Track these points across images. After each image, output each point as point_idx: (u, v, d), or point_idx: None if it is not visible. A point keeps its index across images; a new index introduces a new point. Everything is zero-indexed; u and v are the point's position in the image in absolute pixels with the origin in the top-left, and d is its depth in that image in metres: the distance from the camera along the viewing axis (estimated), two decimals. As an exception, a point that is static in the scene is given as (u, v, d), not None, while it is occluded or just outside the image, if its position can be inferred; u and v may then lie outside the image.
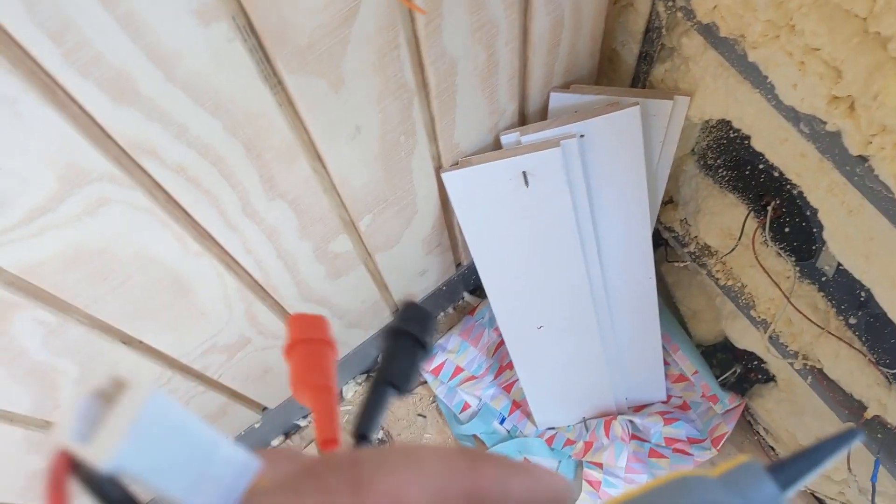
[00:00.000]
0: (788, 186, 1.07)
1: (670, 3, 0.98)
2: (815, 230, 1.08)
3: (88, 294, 0.77)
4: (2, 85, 0.53)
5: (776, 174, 1.08)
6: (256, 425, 1.41)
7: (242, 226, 0.85)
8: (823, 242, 1.06)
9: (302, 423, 1.57)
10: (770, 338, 1.27)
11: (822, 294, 1.16)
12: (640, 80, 1.15)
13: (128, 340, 0.88)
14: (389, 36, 0.76)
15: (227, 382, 1.15)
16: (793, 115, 0.89)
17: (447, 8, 0.79)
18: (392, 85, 0.83)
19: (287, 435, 1.57)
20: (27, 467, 0.96)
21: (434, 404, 1.59)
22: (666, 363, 1.54)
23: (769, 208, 1.16)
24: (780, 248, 1.18)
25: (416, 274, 1.31)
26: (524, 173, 1.07)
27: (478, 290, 1.64)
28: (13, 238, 0.65)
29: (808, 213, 1.07)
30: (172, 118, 0.66)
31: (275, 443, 1.56)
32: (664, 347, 1.51)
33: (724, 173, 1.20)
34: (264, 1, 0.62)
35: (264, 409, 1.38)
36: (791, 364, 1.26)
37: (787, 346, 1.26)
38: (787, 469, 0.28)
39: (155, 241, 0.77)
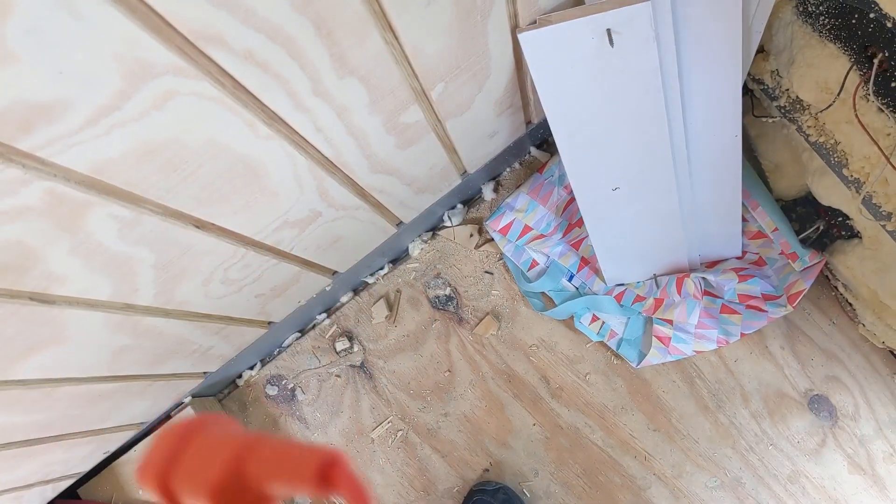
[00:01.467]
0: (903, 38, 0.97)
1: None
2: (929, 88, 0.98)
3: (161, 186, 0.74)
4: (56, -16, 0.47)
5: (889, 24, 0.98)
6: (328, 288, 1.42)
7: (313, 106, 0.79)
8: (937, 100, 0.97)
9: (370, 279, 1.58)
10: (863, 198, 1.20)
11: (926, 154, 1.07)
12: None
13: (201, 225, 0.86)
14: None
15: (298, 253, 1.14)
16: (925, -36, 0.78)
17: None
18: (471, -56, 0.74)
19: (355, 291, 1.58)
20: (110, 345, 0.98)
21: (501, 261, 1.57)
22: (744, 219, 1.48)
23: (875, 60, 1.06)
24: (884, 104, 1.08)
25: (485, 136, 1.25)
26: (608, 31, 0.98)
27: (545, 145, 1.58)
28: (82, 139, 0.61)
29: (924, 69, 0.97)
30: (239, 1, 0.59)
31: (344, 299, 1.57)
32: (743, 204, 1.45)
33: (827, 21, 1.09)
34: None
35: (334, 273, 1.38)
36: (883, 226, 1.19)
37: (880, 207, 1.19)
38: None
39: (224, 128, 0.73)
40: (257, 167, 0.83)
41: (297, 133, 0.83)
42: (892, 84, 1.05)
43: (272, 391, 1.59)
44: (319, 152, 0.90)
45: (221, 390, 1.58)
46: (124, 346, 1.00)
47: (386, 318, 1.56)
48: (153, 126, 0.66)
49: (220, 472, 0.36)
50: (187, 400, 1.45)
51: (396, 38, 0.80)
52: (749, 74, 1.30)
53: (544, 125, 1.46)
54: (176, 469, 0.38)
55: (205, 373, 1.39)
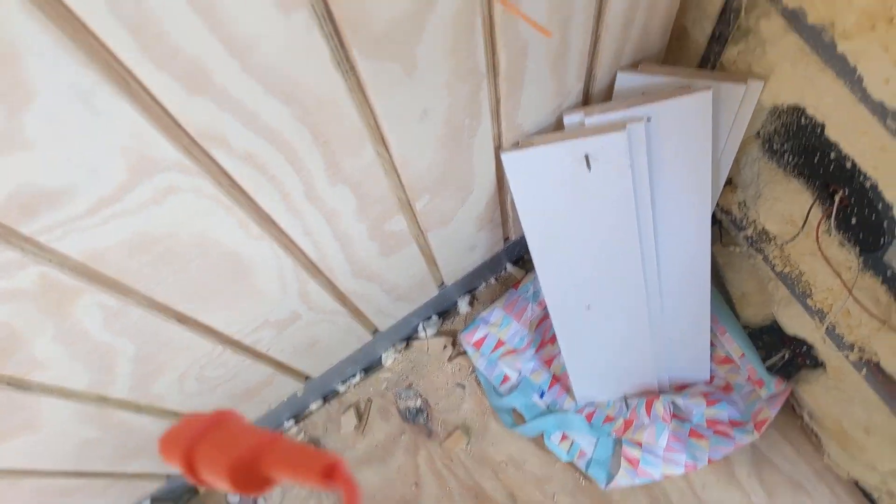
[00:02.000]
0: (861, 178, 1.03)
1: (752, -16, 0.93)
2: (885, 224, 1.04)
3: (151, 278, 0.76)
4: (78, 78, 0.50)
5: (848, 165, 1.04)
6: (299, 394, 1.41)
7: (304, 210, 0.83)
8: (894, 237, 1.02)
9: (341, 387, 1.57)
10: (826, 328, 1.24)
11: (885, 287, 1.12)
12: (711, 60, 1.10)
13: (183, 319, 0.87)
14: (467, 20, 0.73)
15: (274, 355, 1.14)
16: (880, 110, 0.85)
17: (526, -10, 0.75)
18: (463, 68, 0.80)
19: (325, 399, 1.57)
20: (78, 437, 0.97)
21: (473, 375, 1.58)
22: (712, 344, 1.51)
23: (837, 197, 1.12)
24: (845, 238, 1.14)
25: (465, 249, 1.28)
26: (587, 156, 1.03)
27: (521, 262, 1.62)
28: (81, 227, 0.63)
29: (881, 207, 1.03)
30: (244, 107, 0.63)
31: (313, 407, 1.56)
32: (711, 329, 1.48)
33: (791, 159, 1.16)
34: (345, -13, 0.59)
35: (307, 378, 1.38)
36: (846, 356, 1.23)
37: (843, 338, 1.23)
38: None
39: (218, 226, 0.75)
40: (246, 266, 0.85)
41: (286, 235, 0.85)
42: (852, 220, 1.11)
43: (234, 499, 1.55)
44: (306, 255, 0.92)
45: (182, 496, 1.54)
46: (93, 440, 0.99)
47: (355, 427, 1.55)
48: (151, 219, 0.68)
49: (239, 454, 0.43)
50: (146, 503, 1.41)
51: (388, 151, 0.84)
52: (718, 205, 1.36)
53: (521, 242, 1.50)
54: (201, 445, 0.45)
55: (167, 475, 1.36)
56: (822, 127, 1.03)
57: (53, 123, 0.53)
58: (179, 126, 0.61)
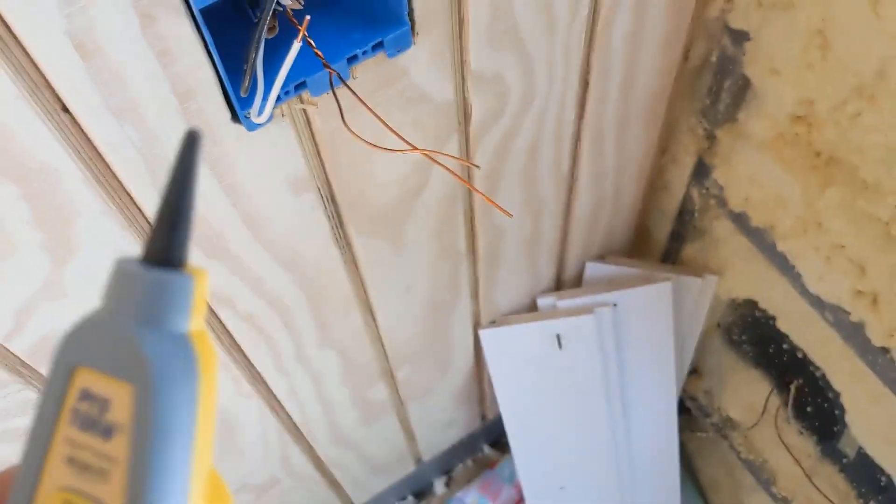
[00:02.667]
0: (812, 368, 1.11)
1: (704, 191, 1.06)
2: (837, 412, 1.11)
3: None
4: (116, 240, 0.59)
5: (800, 355, 1.13)
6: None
7: (293, 370, 0.89)
8: (846, 425, 1.09)
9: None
10: (791, 516, 1.27)
11: (842, 475, 1.17)
12: (671, 256, 1.22)
13: (170, 473, 0.91)
14: (450, 207, 0.84)
15: (250, 521, 1.16)
16: (818, 303, 0.95)
17: (504, 184, 0.86)
18: (445, 249, 0.90)
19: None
20: None
21: (447, 556, 1.57)
22: (683, 533, 1.53)
23: (792, 387, 1.20)
24: (803, 427, 1.20)
25: (443, 424, 1.33)
26: (558, 336, 1.11)
27: (497, 444, 1.66)
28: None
29: (831, 396, 1.11)
30: (253, 272, 0.72)
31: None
32: (682, 516, 1.51)
33: (749, 349, 1.25)
34: (347, 175, 0.70)
35: (280, 550, 1.38)
36: (812, 545, 1.26)
37: (807, 526, 1.26)
38: (162, 241, 0.26)
39: (214, 381, 0.82)
40: (232, 424, 0.91)
41: (273, 395, 0.92)
42: (808, 409, 1.18)
43: None
44: (290, 417, 0.98)
45: None
46: None
47: None
48: (156, 369, 0.75)
49: None
50: None
51: (374, 320, 0.92)
52: (685, 392, 1.43)
53: (498, 423, 1.55)
54: None
55: None
56: (774, 319, 1.12)
57: (88, 277, 0.61)
58: (194, 285, 0.69)
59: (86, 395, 0.25)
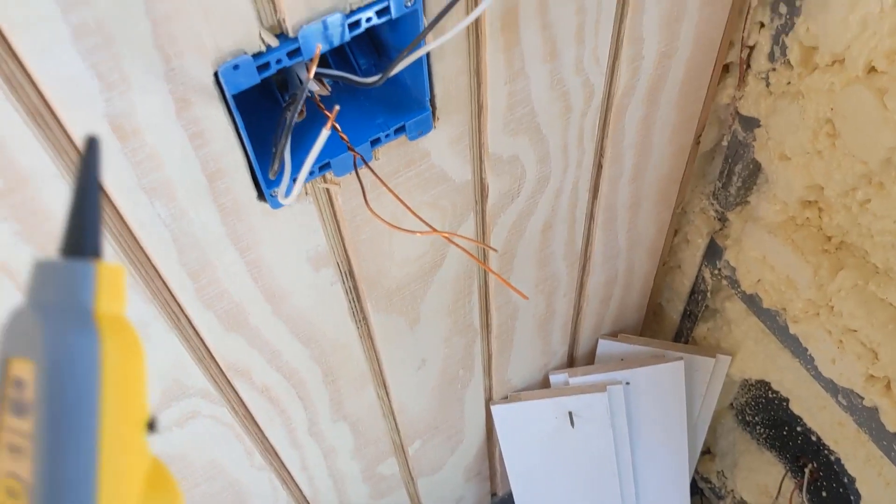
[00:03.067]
0: (826, 451, 1.10)
1: (716, 272, 1.07)
2: (853, 498, 1.10)
3: (157, 498, 0.81)
4: (141, 312, 0.61)
5: (814, 438, 1.12)
6: None
7: (305, 443, 0.90)
8: (862, 510, 1.07)
9: None
10: None
11: (860, 563, 1.15)
12: (684, 335, 1.22)
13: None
14: (465, 284, 0.85)
15: None
16: (831, 387, 0.95)
17: (519, 263, 0.88)
18: (460, 325, 0.91)
19: None
20: None
21: None
22: None
23: (806, 470, 1.19)
24: (818, 511, 1.19)
25: (453, 501, 1.32)
26: (570, 413, 1.11)
27: (507, 521, 1.63)
28: (109, 442, 0.71)
29: (846, 481, 1.09)
30: (270, 345, 0.73)
31: None
32: None
33: (762, 431, 1.24)
34: (366, 252, 0.71)
35: None
36: None
37: None
38: (76, 235, 0.28)
39: (228, 453, 0.82)
40: (244, 496, 0.90)
41: (285, 468, 0.92)
42: (823, 493, 1.17)
43: None
44: (300, 491, 0.98)
45: None
46: None
47: None
48: (171, 440, 0.75)
49: None
50: None
51: (387, 394, 0.93)
52: (698, 473, 1.41)
53: (509, 500, 1.53)
54: None
55: None
56: (787, 401, 1.12)
57: (111, 347, 0.62)
58: (213, 358, 0.70)
59: (16, 383, 0.27)
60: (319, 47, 0.45)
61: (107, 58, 0.44)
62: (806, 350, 0.95)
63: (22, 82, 0.43)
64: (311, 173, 0.59)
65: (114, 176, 0.50)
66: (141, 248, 0.56)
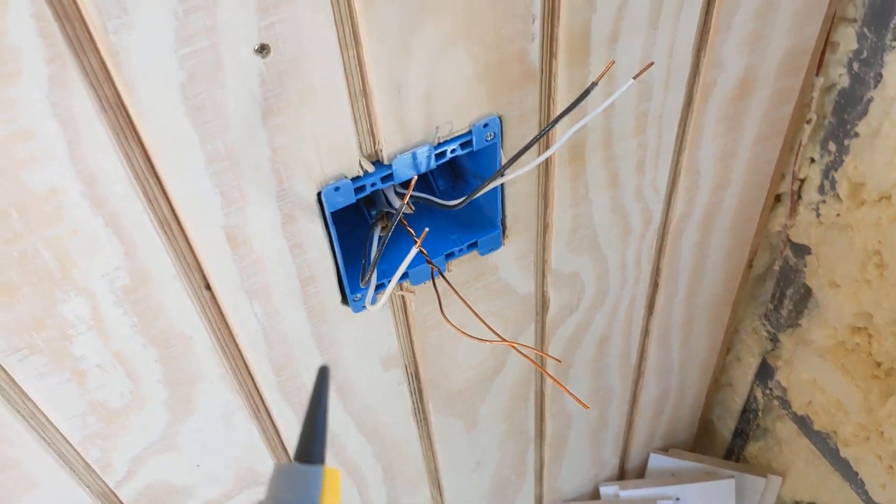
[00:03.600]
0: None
1: (767, 391, 1.09)
2: None
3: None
4: (228, 402, 0.66)
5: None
6: None
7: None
8: None
9: None
10: None
11: None
12: (735, 453, 1.23)
13: None
14: (522, 390, 0.89)
15: None
16: (884, 514, 0.95)
17: (574, 373, 0.92)
18: (515, 430, 0.94)
19: None
20: None
21: None
22: None
23: None
24: None
25: None
26: (619, 526, 1.12)
27: None
28: (183, 524, 0.75)
29: None
30: (337, 439, 0.78)
31: None
32: None
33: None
34: (432, 356, 0.76)
35: None
36: None
37: None
38: (308, 446, 0.36)
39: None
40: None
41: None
42: None
43: None
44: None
45: None
46: None
47: None
48: (239, 526, 0.79)
49: None
50: None
51: (441, 495, 0.96)
52: None
53: None
54: None
55: None
56: (839, 526, 1.11)
57: (199, 434, 0.68)
58: (284, 448, 0.75)
59: None
60: (416, 178, 0.51)
61: (230, 179, 0.51)
62: (857, 474, 0.96)
63: (158, 196, 0.50)
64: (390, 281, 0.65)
65: (222, 277, 0.57)
66: (235, 342, 0.62)
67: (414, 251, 0.50)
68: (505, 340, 0.56)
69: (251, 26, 0.45)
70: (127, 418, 0.62)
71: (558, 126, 0.61)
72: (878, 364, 0.90)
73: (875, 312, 0.85)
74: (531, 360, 0.56)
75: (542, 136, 0.52)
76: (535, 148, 0.58)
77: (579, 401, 0.53)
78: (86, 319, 0.53)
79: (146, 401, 0.62)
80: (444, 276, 0.63)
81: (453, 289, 0.61)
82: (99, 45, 0.41)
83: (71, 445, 0.61)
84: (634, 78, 0.51)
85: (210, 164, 0.49)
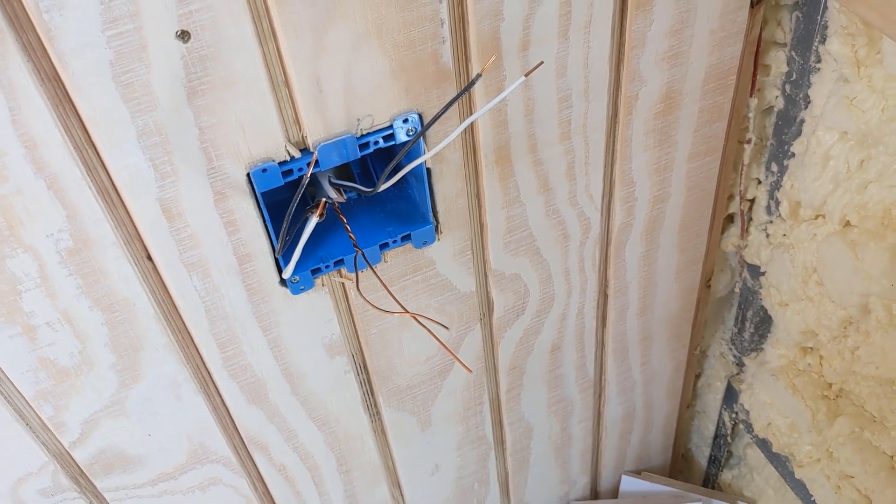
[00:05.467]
0: None
1: (734, 415, 1.10)
2: None
3: (176, 561, 0.89)
4: (175, 373, 0.72)
5: None
6: None
7: (321, 532, 0.97)
8: None
9: None
10: None
11: None
12: (710, 481, 1.24)
13: None
14: (475, 393, 0.93)
15: None
16: (838, 538, 0.95)
17: (529, 380, 0.95)
18: (472, 435, 0.98)
19: None
20: None
21: None
22: None
23: None
24: None
25: None
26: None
27: None
28: (139, 494, 0.80)
29: None
30: (287, 424, 0.83)
31: None
32: None
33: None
34: (377, 346, 0.81)
35: None
36: None
37: None
38: None
39: (244, 526, 0.90)
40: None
41: (300, 555, 0.98)
42: None
43: None
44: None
45: None
46: None
47: None
48: (193, 502, 0.84)
49: None
50: None
51: (402, 495, 1.00)
52: None
53: None
54: None
55: None
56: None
57: (148, 402, 0.73)
58: (235, 427, 0.80)
59: None
60: (312, 162, 0.58)
61: (162, 154, 0.57)
62: (811, 497, 0.97)
63: (96, 166, 0.57)
64: (327, 266, 0.71)
65: (161, 248, 0.63)
66: (179, 314, 0.68)
67: (314, 220, 0.56)
68: (407, 311, 0.61)
69: (171, 13, 0.51)
70: (77, 378, 0.68)
71: (480, 119, 0.67)
72: (829, 385, 0.92)
73: (819, 330, 0.88)
74: (431, 333, 0.60)
75: (434, 122, 0.58)
76: (437, 138, 0.63)
77: (464, 366, 0.58)
78: (33, 277, 0.60)
79: (94, 363, 0.68)
80: (368, 264, 0.69)
81: (373, 269, 0.67)
82: (34, 22, 0.49)
83: (25, 400, 0.68)
84: (525, 76, 0.57)
85: (142, 137, 0.56)
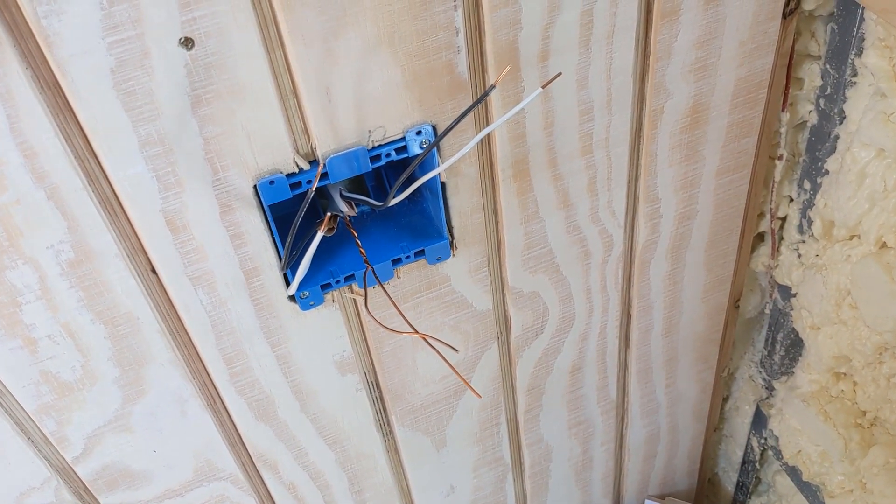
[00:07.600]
0: None
1: (762, 441, 1.06)
2: None
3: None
4: (181, 388, 0.70)
5: None
6: None
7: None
8: None
9: None
10: None
11: None
12: (737, 508, 1.20)
13: None
14: (492, 414, 0.90)
15: None
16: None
17: (548, 401, 0.92)
18: (489, 456, 0.95)
19: None
20: None
21: None
22: None
23: None
24: None
25: None
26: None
27: None
28: (144, 510, 0.79)
29: None
30: (297, 442, 0.80)
31: None
32: None
33: None
34: (390, 363, 0.79)
35: None
36: None
37: None
38: None
39: (253, 545, 0.88)
40: None
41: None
42: None
43: None
44: None
45: None
46: None
47: None
48: (200, 520, 0.82)
49: None
50: None
51: (415, 521, 0.97)
52: None
53: None
54: None
55: None
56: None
57: (153, 417, 0.71)
58: (243, 444, 0.78)
59: None
60: (318, 175, 0.55)
61: (165, 164, 0.56)
62: (843, 531, 0.93)
63: (98, 176, 0.55)
64: (337, 282, 0.68)
65: (166, 261, 0.61)
66: (184, 328, 0.66)
67: (320, 234, 0.54)
68: (416, 332, 0.59)
69: (174, 19, 0.50)
70: (80, 393, 0.66)
71: (497, 132, 0.64)
72: (864, 413, 0.88)
73: (852, 356, 0.84)
74: (440, 355, 0.58)
75: (447, 133, 0.55)
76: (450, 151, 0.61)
77: (473, 390, 0.55)
78: (34, 289, 0.58)
79: (97, 377, 0.66)
80: (379, 281, 0.66)
81: (383, 287, 0.65)
82: (33, 28, 0.47)
83: (27, 414, 0.66)
84: (543, 87, 0.54)
85: (144, 147, 0.54)
